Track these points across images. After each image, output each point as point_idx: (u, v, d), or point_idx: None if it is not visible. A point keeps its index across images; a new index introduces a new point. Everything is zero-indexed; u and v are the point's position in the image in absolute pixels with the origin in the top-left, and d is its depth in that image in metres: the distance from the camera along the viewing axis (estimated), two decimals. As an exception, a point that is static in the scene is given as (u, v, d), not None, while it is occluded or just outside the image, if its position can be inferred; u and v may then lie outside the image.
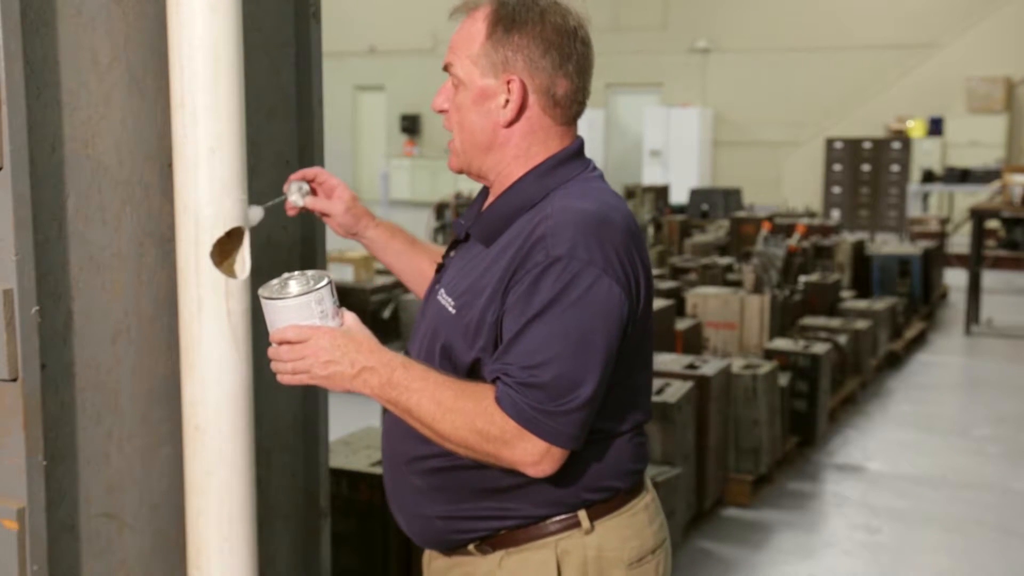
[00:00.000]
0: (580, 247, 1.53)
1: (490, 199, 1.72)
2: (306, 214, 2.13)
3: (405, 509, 1.75)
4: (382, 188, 22.09)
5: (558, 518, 1.64)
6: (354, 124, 22.83)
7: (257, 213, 1.77)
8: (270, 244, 2.04)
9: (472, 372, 1.62)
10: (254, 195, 1.88)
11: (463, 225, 1.75)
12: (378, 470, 3.00)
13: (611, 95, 19.78)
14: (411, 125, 22.24)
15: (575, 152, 1.69)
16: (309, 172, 1.90)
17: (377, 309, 7.27)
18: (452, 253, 1.75)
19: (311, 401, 2.17)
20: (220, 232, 1.69)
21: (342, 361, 1.55)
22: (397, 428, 1.67)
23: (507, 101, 1.63)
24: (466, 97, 1.65)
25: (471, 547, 1.68)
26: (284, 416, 2.13)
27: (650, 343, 1.71)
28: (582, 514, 1.65)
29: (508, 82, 1.62)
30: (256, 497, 1.81)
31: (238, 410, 1.75)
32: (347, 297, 7.21)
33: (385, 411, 1.68)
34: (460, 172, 1.73)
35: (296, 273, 1.61)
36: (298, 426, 2.17)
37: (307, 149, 2.12)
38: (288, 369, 1.57)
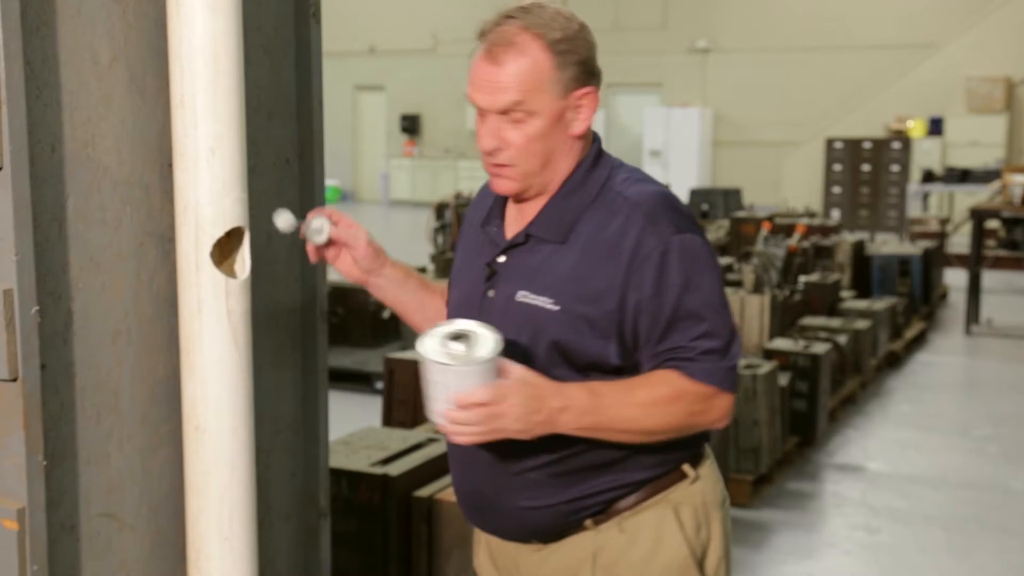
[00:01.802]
0: (680, 222, 1.69)
1: (540, 199, 1.75)
2: (305, 212, 2.13)
3: (513, 508, 1.77)
4: (382, 188, 22.10)
5: (664, 476, 1.76)
6: (354, 124, 22.82)
7: (289, 219, 1.78)
8: (270, 244, 2.04)
9: (593, 363, 1.69)
10: (254, 195, 1.88)
11: (496, 228, 1.79)
12: (378, 470, 3.00)
13: (611, 95, 19.77)
14: (411, 125, 22.23)
15: (598, 140, 1.80)
16: (325, 210, 1.87)
17: (377, 310, 7.27)
18: (502, 258, 1.76)
19: (311, 401, 2.17)
20: (220, 232, 1.69)
21: (538, 411, 1.59)
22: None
23: (580, 112, 1.70)
24: (540, 125, 1.68)
25: (588, 522, 1.76)
26: (284, 416, 2.13)
27: None
28: (686, 466, 1.78)
29: (583, 96, 1.70)
30: (256, 497, 1.81)
31: (238, 410, 1.75)
32: (347, 297, 7.21)
33: None
34: (514, 194, 1.75)
35: (445, 327, 1.58)
36: (298, 426, 2.17)
37: (307, 149, 2.12)
38: (480, 431, 1.57)
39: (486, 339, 1.57)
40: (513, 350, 1.69)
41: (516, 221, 1.79)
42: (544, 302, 1.69)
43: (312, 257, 1.85)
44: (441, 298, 1.96)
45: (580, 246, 1.70)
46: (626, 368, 1.71)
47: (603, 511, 1.76)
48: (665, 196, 1.73)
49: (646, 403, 1.65)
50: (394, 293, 1.92)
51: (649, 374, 1.68)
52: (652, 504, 1.76)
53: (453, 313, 1.85)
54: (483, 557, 1.92)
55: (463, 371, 1.54)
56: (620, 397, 1.65)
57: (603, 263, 1.67)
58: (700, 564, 1.79)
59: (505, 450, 1.71)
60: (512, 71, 1.66)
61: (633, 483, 1.75)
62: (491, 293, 1.76)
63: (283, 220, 1.79)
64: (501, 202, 1.82)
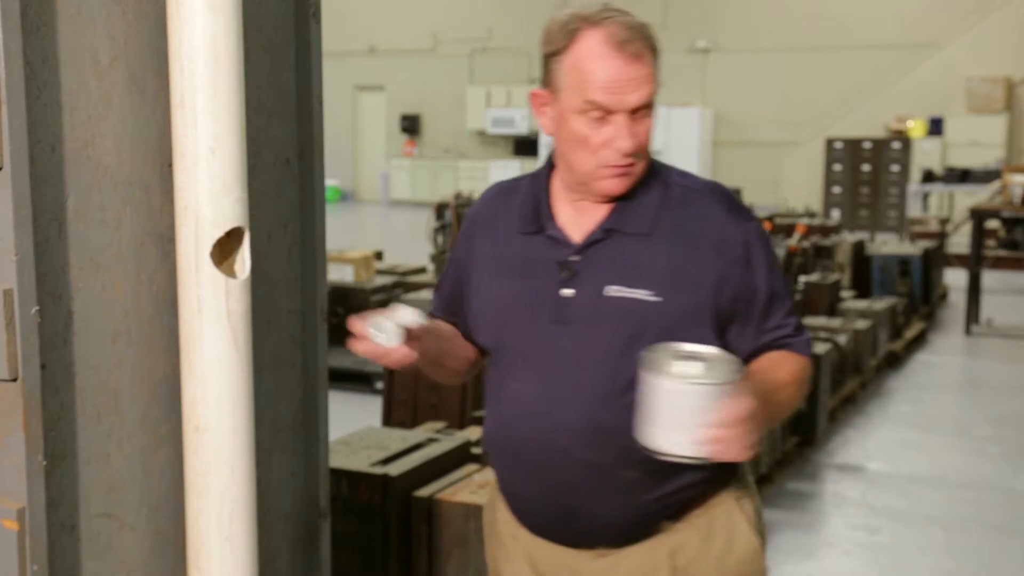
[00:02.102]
0: (747, 210, 1.80)
1: (610, 192, 1.73)
2: (305, 212, 2.13)
3: (608, 508, 1.75)
4: (382, 188, 22.09)
5: (724, 472, 1.80)
6: (354, 124, 22.82)
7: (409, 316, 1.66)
8: (270, 244, 2.04)
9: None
10: (254, 195, 1.88)
11: (554, 230, 1.76)
12: (378, 470, 3.00)
13: (611, 95, 19.74)
14: (411, 125, 22.23)
15: None
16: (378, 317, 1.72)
17: (377, 309, 7.25)
18: (577, 257, 1.74)
19: (311, 401, 2.18)
20: (220, 232, 1.69)
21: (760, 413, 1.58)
22: (599, 432, 1.69)
23: None
24: (653, 116, 1.72)
25: (664, 523, 1.78)
26: (284, 416, 2.13)
27: None
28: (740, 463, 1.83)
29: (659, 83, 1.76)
30: (256, 497, 1.81)
31: (238, 410, 1.75)
32: (347, 297, 7.21)
33: (563, 426, 1.70)
34: (626, 191, 1.74)
35: (665, 353, 1.55)
36: (298, 426, 2.17)
37: (307, 149, 2.12)
38: (751, 444, 1.53)
39: (714, 354, 1.55)
40: (610, 347, 1.69)
41: (579, 220, 1.77)
42: (643, 294, 1.69)
43: (407, 357, 1.68)
44: (451, 328, 1.94)
45: (667, 237, 1.72)
46: None
47: (679, 511, 1.78)
48: (724, 187, 1.83)
49: (788, 384, 1.73)
50: (439, 344, 1.85)
51: (768, 356, 1.75)
52: (719, 501, 1.80)
53: (503, 324, 1.79)
54: (523, 571, 1.86)
55: (722, 390, 1.49)
56: (774, 383, 1.70)
57: (693, 252, 1.71)
58: (763, 551, 1.86)
59: (600, 450, 1.70)
60: (647, 64, 1.67)
61: (703, 481, 1.77)
62: (567, 292, 1.73)
63: (406, 316, 1.67)
64: (544, 205, 1.80)
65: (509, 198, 1.87)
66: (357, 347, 1.67)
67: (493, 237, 1.85)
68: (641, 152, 1.71)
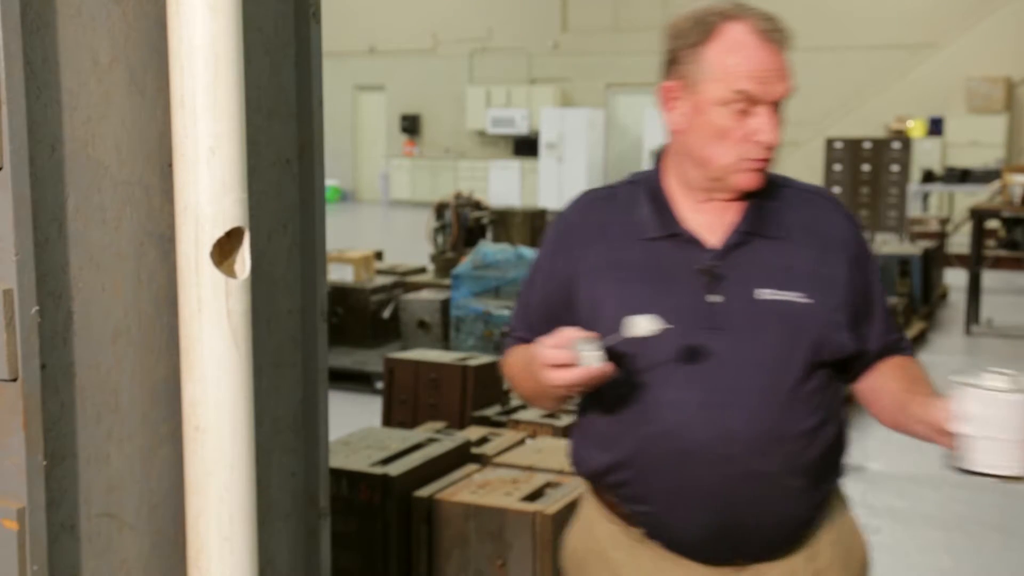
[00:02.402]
0: (848, 209, 1.82)
1: (724, 198, 1.73)
2: (305, 212, 2.13)
3: (764, 518, 1.71)
4: (382, 188, 22.10)
5: (840, 482, 1.83)
6: (354, 124, 22.82)
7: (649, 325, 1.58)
8: (270, 244, 2.04)
9: (834, 357, 1.72)
10: (254, 195, 1.88)
11: (685, 236, 1.72)
12: (378, 470, 3.00)
13: (611, 95, 19.76)
14: (411, 125, 22.23)
15: None
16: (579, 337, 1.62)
17: (377, 309, 7.26)
18: (719, 261, 1.70)
19: (311, 401, 2.17)
20: (220, 232, 1.69)
21: None
22: (767, 440, 1.66)
23: None
24: (782, 115, 1.72)
25: (804, 531, 1.76)
26: (284, 416, 2.13)
27: None
28: None
29: None
30: (256, 497, 1.81)
31: (238, 410, 1.75)
32: (347, 297, 7.21)
33: (733, 435, 1.65)
34: (759, 187, 1.72)
35: (971, 372, 1.57)
36: (298, 426, 2.17)
37: (307, 149, 2.12)
38: None
39: (1002, 370, 1.54)
40: (768, 351, 1.66)
41: (709, 223, 1.73)
42: (796, 296, 1.67)
43: (612, 373, 1.62)
44: None
45: (801, 238, 1.73)
46: (850, 359, 1.75)
47: (818, 520, 1.77)
48: (828, 190, 1.85)
49: (932, 391, 1.73)
50: None
51: (904, 365, 1.79)
52: (834, 507, 1.81)
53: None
54: None
55: None
56: (929, 387, 1.73)
57: (827, 253, 1.72)
58: None
59: (761, 459, 1.67)
60: (782, 55, 1.70)
61: (835, 489, 1.81)
62: (715, 298, 1.68)
63: (644, 326, 1.59)
64: (667, 209, 1.75)
65: (610, 205, 1.81)
66: (563, 377, 1.57)
67: (605, 245, 1.77)
68: (776, 147, 1.70)
